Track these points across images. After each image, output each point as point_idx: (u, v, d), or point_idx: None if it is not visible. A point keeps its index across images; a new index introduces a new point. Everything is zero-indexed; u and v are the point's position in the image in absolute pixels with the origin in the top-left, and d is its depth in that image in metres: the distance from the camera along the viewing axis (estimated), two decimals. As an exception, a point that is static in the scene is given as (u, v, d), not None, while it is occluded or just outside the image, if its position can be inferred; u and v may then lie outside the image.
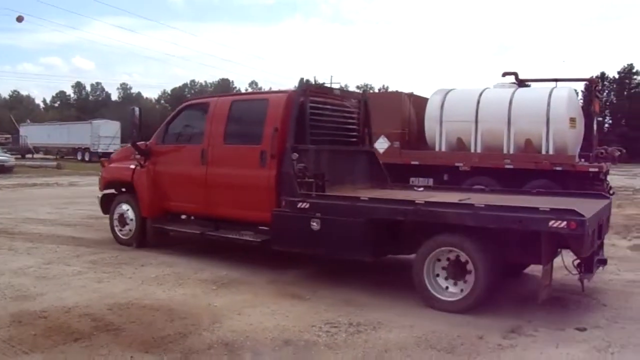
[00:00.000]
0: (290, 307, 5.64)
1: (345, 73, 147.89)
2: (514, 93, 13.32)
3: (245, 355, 4.44)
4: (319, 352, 4.50)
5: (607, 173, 13.39)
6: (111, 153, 41.89)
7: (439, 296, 5.71)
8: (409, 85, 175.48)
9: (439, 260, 5.79)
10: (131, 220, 8.41)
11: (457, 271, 5.71)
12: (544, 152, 12.68)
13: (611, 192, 13.15)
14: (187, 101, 8.78)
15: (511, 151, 12.96)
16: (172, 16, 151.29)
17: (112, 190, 9.04)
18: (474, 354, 4.48)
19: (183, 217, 8.33)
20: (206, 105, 7.96)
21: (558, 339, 4.82)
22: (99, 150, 39.73)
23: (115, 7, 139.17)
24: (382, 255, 6.55)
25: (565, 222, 5.07)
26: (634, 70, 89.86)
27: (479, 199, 6.20)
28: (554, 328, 5.07)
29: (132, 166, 8.38)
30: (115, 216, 8.62)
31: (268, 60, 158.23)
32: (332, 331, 4.94)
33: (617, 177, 24.11)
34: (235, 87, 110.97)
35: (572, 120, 13.11)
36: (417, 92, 15.07)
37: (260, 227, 7.13)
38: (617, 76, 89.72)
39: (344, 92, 8.38)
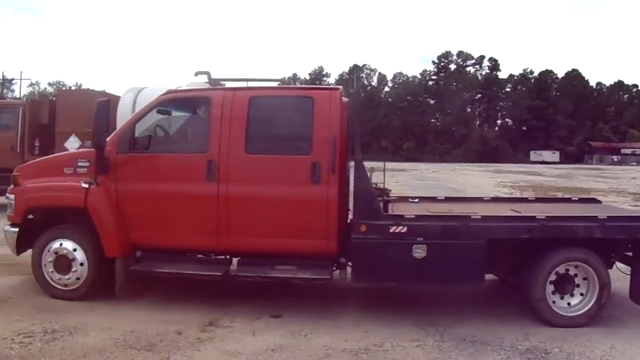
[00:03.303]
0: (-22, 321, 5.45)
1: (37, 68, 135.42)
2: (203, 92, 14.62)
3: None
4: (13, 365, 4.50)
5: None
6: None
7: (562, 313, 5.78)
8: (103, 82, 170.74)
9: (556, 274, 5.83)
10: (80, 263, 6.21)
11: (566, 286, 5.83)
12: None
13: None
14: (165, 94, 6.69)
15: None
16: None
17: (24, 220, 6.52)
18: (174, 349, 4.90)
19: (138, 253, 6.37)
20: (204, 101, 6.43)
21: (254, 328, 5.46)
22: None
23: None
24: None
25: None
26: (324, 72, 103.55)
27: (530, 210, 6.56)
28: (250, 318, 5.72)
29: (84, 184, 6.15)
30: (47, 258, 6.27)
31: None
32: (26, 341, 4.98)
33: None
34: None
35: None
36: (110, 90, 15.44)
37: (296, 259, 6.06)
38: (308, 77, 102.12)
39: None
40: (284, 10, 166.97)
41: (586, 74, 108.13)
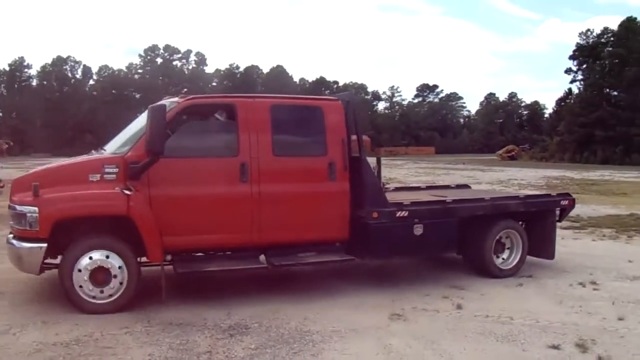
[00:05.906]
0: None
1: None
2: None
3: None
4: None
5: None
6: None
7: (501, 267, 7.65)
8: None
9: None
10: (119, 272, 6.14)
11: (500, 247, 7.74)
12: None
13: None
14: (188, 100, 6.75)
15: None
16: None
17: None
18: None
19: (168, 257, 6.47)
20: (229, 108, 6.80)
21: None
22: None
23: None
24: None
25: (567, 201, 8.21)
26: (25, 64, 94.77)
27: (464, 195, 8.69)
28: None
29: (127, 191, 6.04)
30: (82, 273, 6.04)
31: None
32: None
33: (11, 170, 20.74)
34: None
35: None
36: None
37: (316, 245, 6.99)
38: (8, 69, 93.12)
39: None
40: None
41: (290, 70, 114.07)
